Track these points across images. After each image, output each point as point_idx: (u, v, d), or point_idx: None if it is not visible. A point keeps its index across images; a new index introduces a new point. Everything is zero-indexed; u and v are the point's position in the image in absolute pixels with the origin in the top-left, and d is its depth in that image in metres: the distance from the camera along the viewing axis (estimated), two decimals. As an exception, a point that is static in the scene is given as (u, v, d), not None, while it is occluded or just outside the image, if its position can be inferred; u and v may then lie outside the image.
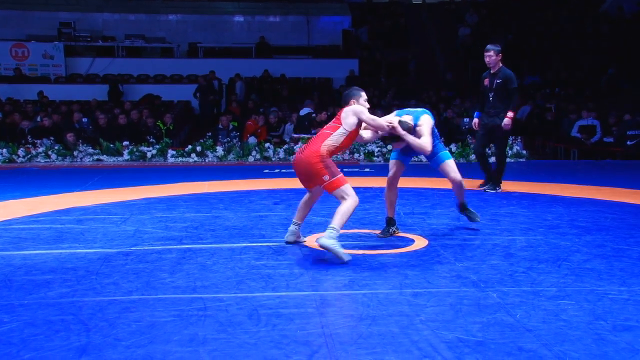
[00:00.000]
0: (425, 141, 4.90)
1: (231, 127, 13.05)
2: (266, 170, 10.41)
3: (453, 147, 12.00)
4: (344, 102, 4.84)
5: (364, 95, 4.86)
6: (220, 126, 13.30)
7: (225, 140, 12.32)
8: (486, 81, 7.55)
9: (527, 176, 9.58)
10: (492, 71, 7.51)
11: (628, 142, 12.26)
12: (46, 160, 11.65)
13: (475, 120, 7.75)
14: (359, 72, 18.22)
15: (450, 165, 5.17)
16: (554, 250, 4.66)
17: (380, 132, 4.88)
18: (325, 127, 4.76)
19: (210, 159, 11.91)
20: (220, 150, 12.01)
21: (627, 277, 3.94)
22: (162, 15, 20.12)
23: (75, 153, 11.80)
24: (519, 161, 11.94)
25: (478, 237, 5.17)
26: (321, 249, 4.36)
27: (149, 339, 2.98)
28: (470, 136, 12.62)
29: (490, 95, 7.49)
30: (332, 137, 4.60)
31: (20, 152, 11.70)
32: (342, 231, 4.55)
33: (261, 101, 16.05)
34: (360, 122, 4.68)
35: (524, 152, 12.30)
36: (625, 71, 17.16)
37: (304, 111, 13.84)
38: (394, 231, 5.23)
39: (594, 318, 3.21)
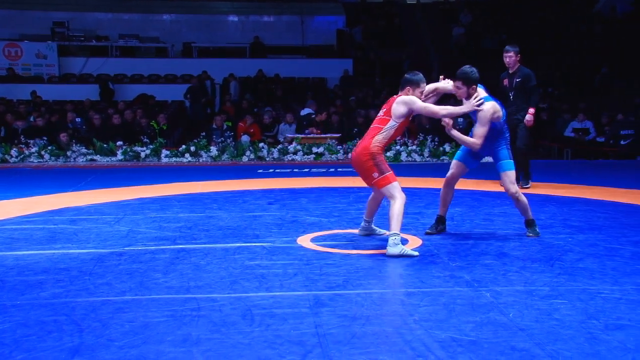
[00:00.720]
0: (473, 139, 4.87)
1: (225, 127, 13.04)
2: (260, 170, 10.40)
3: (447, 147, 12.03)
4: (401, 88, 4.76)
5: (422, 86, 4.77)
6: (214, 126, 13.29)
7: (219, 140, 12.31)
8: (505, 81, 7.64)
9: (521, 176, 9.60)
10: (510, 71, 7.60)
11: (622, 142, 12.32)
12: (39, 160, 11.61)
13: None
14: (353, 72, 18.22)
15: (509, 176, 5.02)
16: (547, 250, 4.68)
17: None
18: (376, 119, 4.71)
19: (204, 159, 11.89)
20: (214, 150, 12.00)
21: (619, 276, 3.96)
22: (156, 15, 20.07)
23: (68, 153, 11.77)
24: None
25: (472, 236, 5.18)
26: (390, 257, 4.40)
27: (142, 339, 2.98)
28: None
29: (511, 95, 7.62)
30: (382, 132, 4.59)
31: (13, 152, 11.66)
32: (336, 231, 4.57)
33: (255, 101, 16.04)
34: (411, 112, 4.64)
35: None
36: (617, 70, 17.24)
37: (304, 111, 13.84)
38: (442, 229, 5.25)
39: (587, 317, 3.22)
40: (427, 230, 5.26)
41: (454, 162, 5.19)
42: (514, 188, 5.03)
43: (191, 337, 2.99)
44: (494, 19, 20.74)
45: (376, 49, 19.65)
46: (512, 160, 5.10)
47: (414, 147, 11.98)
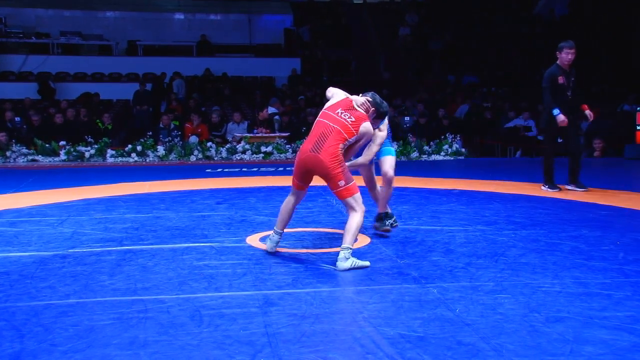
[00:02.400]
0: (369, 153, 4.93)
1: (172, 126, 12.86)
2: (208, 170, 10.30)
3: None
4: (380, 116, 4.62)
5: (385, 122, 4.85)
6: (161, 125, 13.09)
7: (167, 139, 12.14)
8: (561, 79, 7.42)
9: (466, 174, 9.82)
10: (567, 69, 7.50)
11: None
12: (-23, 161, 11.20)
13: (563, 117, 7.33)
14: (300, 70, 18.26)
15: (391, 160, 5.14)
16: (492, 246, 4.80)
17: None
18: (340, 122, 4.35)
19: (151, 159, 11.71)
20: (161, 149, 11.83)
21: (559, 270, 4.09)
22: (99, 12, 19.61)
23: (8, 153, 11.38)
24: (458, 159, 12.21)
25: (419, 233, 5.26)
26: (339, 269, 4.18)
27: (87, 343, 2.91)
28: (410, 134, 12.86)
29: (569, 94, 7.46)
30: (346, 142, 4.35)
31: (-51, 152, 11.23)
32: (285, 230, 4.57)
33: (203, 100, 15.87)
34: (364, 141, 4.57)
35: (463, 150, 12.60)
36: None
37: (270, 110, 13.75)
38: (392, 224, 5.25)
39: (529, 310, 3.32)
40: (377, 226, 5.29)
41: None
42: (392, 172, 5.12)
43: (138, 340, 2.94)
44: (439, 20, 21.12)
45: (324, 48, 19.74)
46: (393, 149, 5.27)
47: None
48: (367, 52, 20.20)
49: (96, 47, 18.89)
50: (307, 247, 4.79)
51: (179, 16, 20.29)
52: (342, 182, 4.27)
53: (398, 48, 19.98)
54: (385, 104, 4.64)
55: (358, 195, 4.32)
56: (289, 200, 4.56)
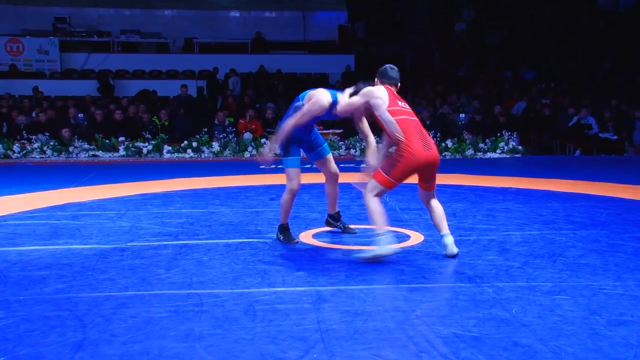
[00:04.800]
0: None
1: (227, 122, 13.03)
2: (262, 166, 10.39)
3: (449, 142, 12.01)
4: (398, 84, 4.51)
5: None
6: (216, 122, 13.27)
7: (221, 135, 12.30)
8: None
9: (523, 172, 9.60)
10: None
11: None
12: (41, 156, 11.62)
13: None
14: (355, 67, 18.19)
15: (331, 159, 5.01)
16: (550, 246, 4.67)
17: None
18: (415, 115, 4.41)
19: (206, 155, 11.90)
20: (216, 145, 12.00)
21: (622, 272, 3.95)
22: (157, 10, 20.02)
23: (70, 149, 11.77)
24: (514, 157, 11.96)
25: (474, 232, 5.18)
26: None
27: (145, 334, 2.98)
28: (466, 132, 12.66)
29: None
30: None
31: (16, 147, 11.67)
32: (333, 228, 4.59)
33: (257, 97, 16.01)
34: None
35: (520, 147, 12.33)
36: (620, 66, 17.21)
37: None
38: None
39: (589, 313, 3.22)
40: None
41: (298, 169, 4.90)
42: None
43: (194, 333, 2.99)
44: (496, 14, 20.69)
45: (378, 45, 19.60)
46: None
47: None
48: (422, 47, 19.97)
49: (154, 44, 19.30)
50: (359, 244, 4.77)
51: (235, 14, 20.52)
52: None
53: (453, 43, 19.67)
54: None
55: None
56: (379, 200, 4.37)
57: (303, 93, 4.74)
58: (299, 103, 4.71)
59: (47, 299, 3.52)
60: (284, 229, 4.91)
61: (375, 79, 4.56)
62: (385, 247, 4.17)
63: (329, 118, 4.78)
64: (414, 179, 4.45)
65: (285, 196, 4.83)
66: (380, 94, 4.36)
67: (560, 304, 3.36)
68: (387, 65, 4.56)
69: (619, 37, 18.25)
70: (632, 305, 3.33)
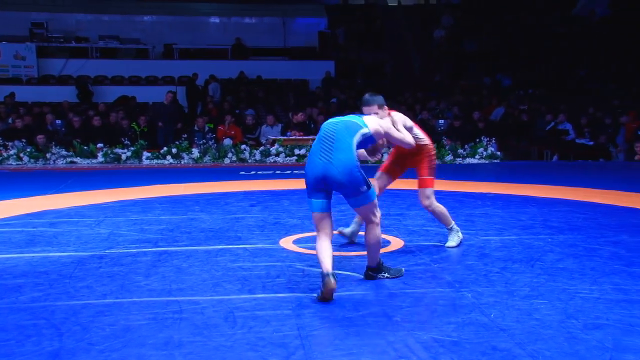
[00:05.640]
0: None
1: (207, 128, 12.98)
2: (242, 172, 10.37)
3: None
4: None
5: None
6: (195, 128, 13.22)
7: (201, 142, 12.26)
8: None
9: (501, 177, 9.69)
10: None
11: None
12: (18, 162, 11.47)
13: None
14: (335, 73, 18.25)
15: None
16: (528, 250, 4.72)
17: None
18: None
19: (185, 161, 11.83)
20: (195, 152, 11.95)
21: (598, 276, 4.00)
22: (136, 16, 19.91)
23: (47, 155, 11.64)
24: (493, 162, 12.06)
25: (453, 237, 5.20)
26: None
27: (123, 342, 2.95)
28: (445, 137, 12.75)
29: None
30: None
31: (-9, 154, 11.52)
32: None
33: (237, 103, 15.99)
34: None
35: (499, 153, 12.44)
36: (595, 73, 17.49)
37: None
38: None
39: (566, 317, 3.25)
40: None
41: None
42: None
43: (173, 340, 2.97)
44: (475, 21, 20.90)
45: (358, 51, 19.71)
46: None
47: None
48: (401, 54, 20.11)
49: (133, 50, 19.19)
50: (339, 250, 4.78)
51: (215, 20, 20.49)
52: None
53: (433, 50, 19.84)
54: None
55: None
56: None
57: (358, 116, 4.14)
58: (366, 131, 4.00)
59: (22, 307, 3.47)
60: (383, 265, 4.10)
61: (384, 107, 4.38)
62: (459, 234, 4.93)
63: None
64: (413, 183, 4.81)
65: (378, 231, 4.01)
66: (403, 118, 4.64)
67: (538, 308, 3.40)
68: (374, 93, 4.45)
69: (594, 45, 18.54)
70: (607, 309, 3.37)
